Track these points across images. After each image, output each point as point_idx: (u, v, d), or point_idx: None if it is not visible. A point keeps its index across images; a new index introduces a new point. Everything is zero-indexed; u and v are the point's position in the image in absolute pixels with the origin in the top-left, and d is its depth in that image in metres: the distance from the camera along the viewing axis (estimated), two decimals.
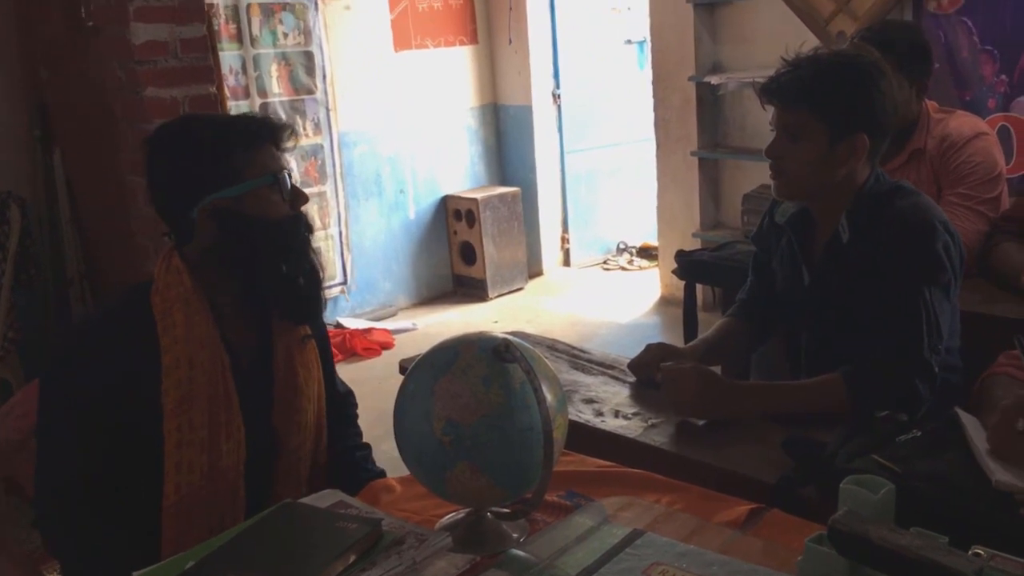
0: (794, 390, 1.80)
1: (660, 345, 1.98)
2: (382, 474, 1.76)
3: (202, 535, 1.49)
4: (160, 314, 1.54)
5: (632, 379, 1.98)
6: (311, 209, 2.20)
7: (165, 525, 1.53)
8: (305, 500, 1.46)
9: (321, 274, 1.64)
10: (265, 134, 1.58)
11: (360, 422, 1.89)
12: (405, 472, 1.40)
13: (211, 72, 3.24)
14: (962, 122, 2.54)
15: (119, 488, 1.53)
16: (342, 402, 1.84)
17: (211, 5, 4.35)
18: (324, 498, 1.46)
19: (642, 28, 5.64)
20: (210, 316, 1.57)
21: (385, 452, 1.72)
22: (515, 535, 1.33)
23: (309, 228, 1.63)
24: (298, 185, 1.63)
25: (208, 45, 3.25)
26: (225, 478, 1.56)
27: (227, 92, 4.42)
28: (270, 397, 1.64)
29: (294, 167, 4.60)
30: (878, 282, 1.77)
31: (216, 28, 4.42)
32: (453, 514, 1.39)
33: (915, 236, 1.77)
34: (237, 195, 1.54)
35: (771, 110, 1.87)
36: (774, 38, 4.45)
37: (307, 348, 1.69)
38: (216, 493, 1.55)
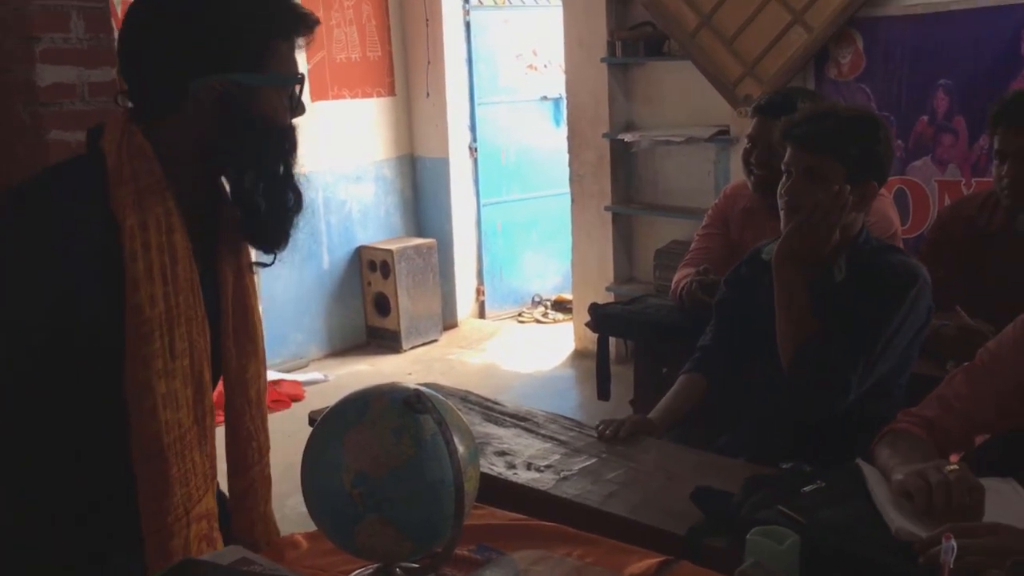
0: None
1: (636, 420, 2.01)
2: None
3: (189, 497, 1.32)
4: (121, 209, 1.23)
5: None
6: None
7: (143, 483, 1.29)
8: (206, 557, 1.41)
9: (303, 202, 1.41)
10: (305, 26, 1.33)
11: None
12: (312, 528, 1.36)
13: None
14: None
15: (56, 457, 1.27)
16: None
17: None
18: (226, 555, 1.41)
19: (558, 85, 5.75)
20: (182, 220, 1.29)
21: (292, 508, 1.68)
22: None
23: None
24: None
25: (117, 89, 3.18)
26: (207, 420, 1.34)
27: None
28: (217, 319, 1.40)
29: None
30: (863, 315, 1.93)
31: None
32: (361, 570, 1.36)
33: (909, 288, 1.95)
34: (255, 85, 1.30)
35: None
36: (685, 99, 4.60)
37: (250, 277, 1.46)
38: (205, 439, 1.33)
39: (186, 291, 1.31)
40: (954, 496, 1.42)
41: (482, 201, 6.03)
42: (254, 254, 1.49)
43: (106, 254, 1.24)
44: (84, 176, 1.29)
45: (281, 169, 1.37)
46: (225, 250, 1.42)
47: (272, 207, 1.37)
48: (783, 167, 2.02)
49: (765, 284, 2.05)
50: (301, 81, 1.36)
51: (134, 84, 1.34)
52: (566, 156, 5.20)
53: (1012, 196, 2.37)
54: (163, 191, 1.29)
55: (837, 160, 1.94)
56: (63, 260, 1.24)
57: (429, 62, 5.69)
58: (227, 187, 1.40)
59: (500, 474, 1.79)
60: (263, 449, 1.53)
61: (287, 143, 1.37)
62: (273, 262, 1.45)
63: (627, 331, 3.19)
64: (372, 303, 5.64)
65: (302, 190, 1.40)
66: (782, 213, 2.02)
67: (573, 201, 5.20)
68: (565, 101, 5.22)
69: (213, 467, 1.41)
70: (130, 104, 1.35)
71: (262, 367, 1.50)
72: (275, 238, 1.42)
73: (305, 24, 1.34)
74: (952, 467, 1.48)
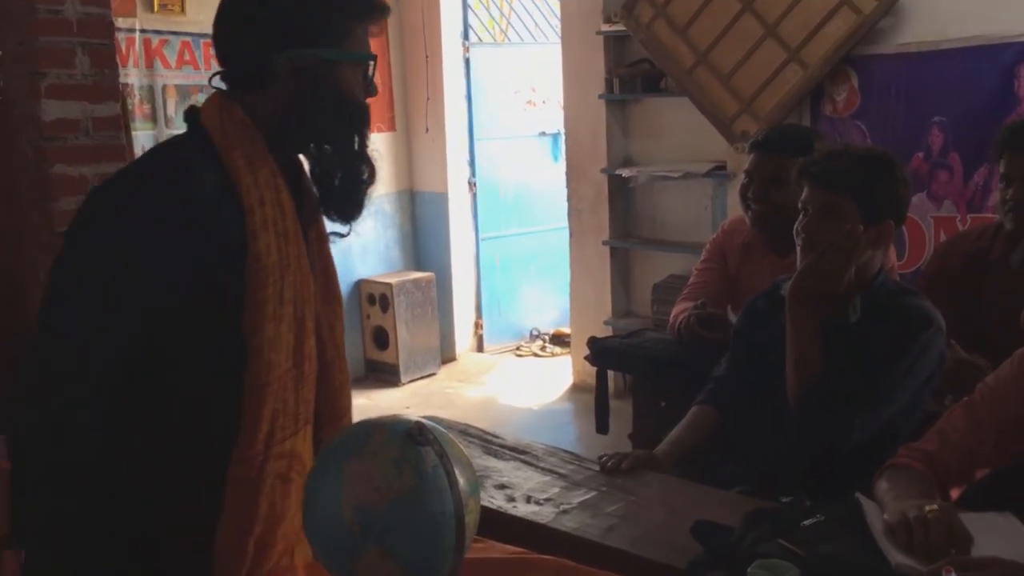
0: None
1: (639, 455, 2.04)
2: None
3: (272, 435, 1.38)
4: (235, 169, 1.35)
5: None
6: None
7: (249, 404, 1.37)
8: None
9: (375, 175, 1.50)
10: (379, 12, 1.45)
11: None
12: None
13: (123, 151, 3.20)
14: None
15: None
16: None
17: (126, 85, 4.32)
18: None
19: (556, 121, 5.80)
20: (284, 181, 1.41)
21: None
22: None
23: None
24: None
25: (121, 124, 3.21)
26: (306, 365, 1.41)
27: None
28: None
29: None
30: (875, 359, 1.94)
31: (130, 108, 4.38)
32: None
33: (922, 332, 1.96)
34: (334, 60, 1.40)
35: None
36: (682, 134, 4.64)
37: (328, 246, 1.57)
38: (302, 383, 1.41)
39: (294, 243, 1.41)
40: (930, 534, 1.43)
41: (481, 235, 6.05)
42: (329, 225, 1.58)
43: (227, 210, 1.35)
44: (195, 146, 1.39)
45: (356, 143, 1.47)
46: (311, 217, 1.51)
47: (346, 178, 1.47)
48: (800, 205, 2.02)
49: (781, 320, 2.05)
50: (375, 60, 1.46)
51: (226, 61, 1.44)
52: (564, 191, 5.22)
53: (1016, 218, 2.39)
54: (266, 155, 1.39)
55: (853, 198, 1.95)
56: (194, 219, 1.32)
57: (428, 98, 5.74)
58: (305, 162, 1.50)
59: (500, 507, 1.79)
60: (349, 402, 1.61)
61: (362, 119, 1.47)
62: (348, 233, 1.54)
63: (625, 365, 3.19)
64: (371, 336, 5.64)
65: (375, 164, 1.49)
66: (799, 250, 2.02)
67: (571, 235, 5.22)
68: (563, 137, 5.26)
69: (308, 412, 1.46)
70: (223, 86, 1.44)
71: (344, 329, 1.60)
72: (349, 209, 1.50)
73: (379, 10, 1.45)
74: (932, 507, 1.48)
